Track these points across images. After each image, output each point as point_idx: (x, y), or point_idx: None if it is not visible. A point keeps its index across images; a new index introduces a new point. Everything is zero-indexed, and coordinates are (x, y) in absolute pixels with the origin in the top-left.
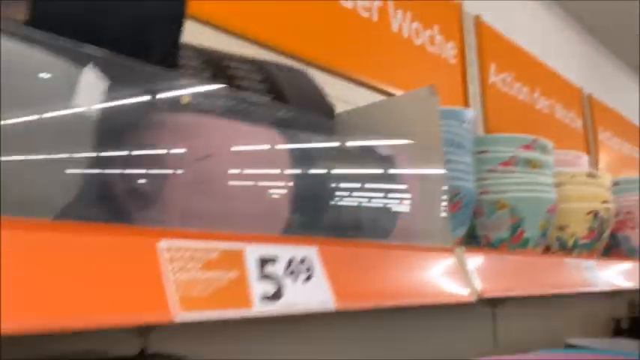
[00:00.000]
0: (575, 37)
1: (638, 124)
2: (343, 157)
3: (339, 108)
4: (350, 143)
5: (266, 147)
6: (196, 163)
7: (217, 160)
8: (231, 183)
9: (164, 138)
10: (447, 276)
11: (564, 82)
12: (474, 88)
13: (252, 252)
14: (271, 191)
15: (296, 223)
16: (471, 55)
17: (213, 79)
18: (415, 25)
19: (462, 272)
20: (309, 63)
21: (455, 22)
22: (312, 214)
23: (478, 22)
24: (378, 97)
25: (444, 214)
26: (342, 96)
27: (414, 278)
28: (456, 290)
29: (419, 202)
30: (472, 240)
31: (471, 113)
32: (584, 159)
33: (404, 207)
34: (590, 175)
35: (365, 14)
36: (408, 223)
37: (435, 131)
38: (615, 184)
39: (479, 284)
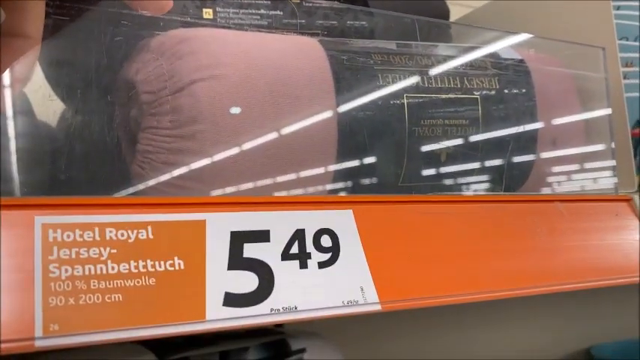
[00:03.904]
0: None
1: None
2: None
3: None
4: (446, 48)
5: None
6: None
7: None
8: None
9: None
10: (622, 241)
11: None
12: None
13: (220, 225)
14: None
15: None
16: None
17: None
18: None
19: None
20: None
21: None
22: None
23: None
24: None
25: (626, 142)
26: None
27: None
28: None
29: (575, 127)
30: None
31: None
32: None
33: (547, 139)
34: None
35: None
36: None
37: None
38: None
39: None
